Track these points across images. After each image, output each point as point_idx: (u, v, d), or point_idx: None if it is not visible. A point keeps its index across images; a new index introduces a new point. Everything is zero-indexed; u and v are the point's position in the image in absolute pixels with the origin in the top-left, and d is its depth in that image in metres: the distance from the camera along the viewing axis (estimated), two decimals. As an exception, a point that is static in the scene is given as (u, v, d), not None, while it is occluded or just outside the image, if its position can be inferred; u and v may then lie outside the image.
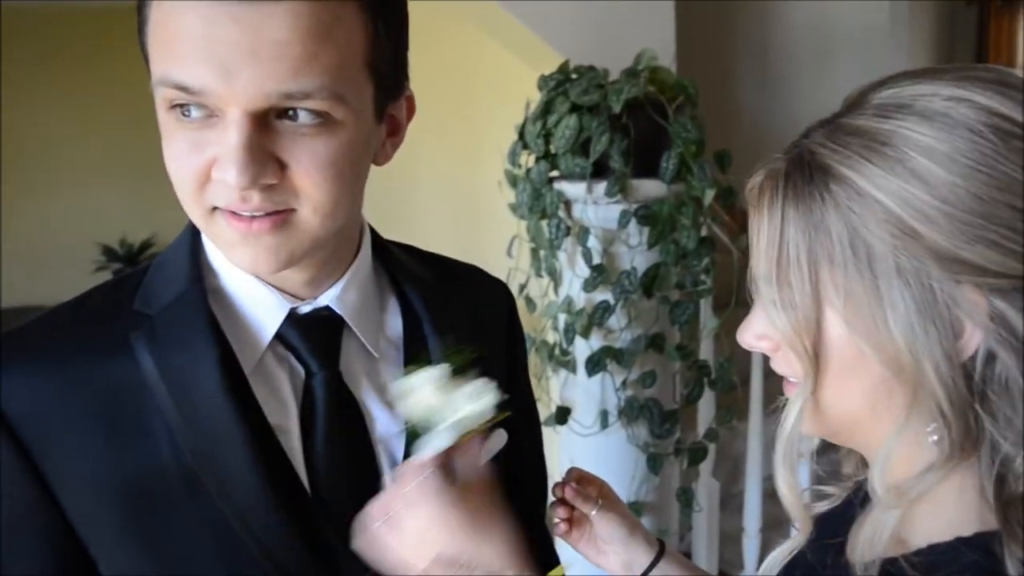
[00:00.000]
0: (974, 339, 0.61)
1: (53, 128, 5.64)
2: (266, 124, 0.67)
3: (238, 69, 0.64)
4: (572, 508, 1.00)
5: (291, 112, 0.67)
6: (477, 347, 0.82)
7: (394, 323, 0.90)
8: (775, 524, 2.58)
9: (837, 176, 0.64)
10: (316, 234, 0.73)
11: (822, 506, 0.82)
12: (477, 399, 0.74)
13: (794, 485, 0.74)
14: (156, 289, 0.80)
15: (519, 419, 0.97)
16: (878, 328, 0.63)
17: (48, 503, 0.73)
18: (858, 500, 0.77)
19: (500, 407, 0.75)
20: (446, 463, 0.74)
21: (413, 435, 0.78)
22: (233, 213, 0.70)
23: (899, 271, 0.61)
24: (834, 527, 0.78)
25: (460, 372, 0.76)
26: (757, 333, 0.73)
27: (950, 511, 0.65)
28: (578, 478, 1.01)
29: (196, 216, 0.72)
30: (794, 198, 0.66)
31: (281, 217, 0.70)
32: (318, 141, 0.68)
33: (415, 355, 0.87)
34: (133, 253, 5.90)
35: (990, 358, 0.62)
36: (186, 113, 0.67)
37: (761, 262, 0.69)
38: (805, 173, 0.66)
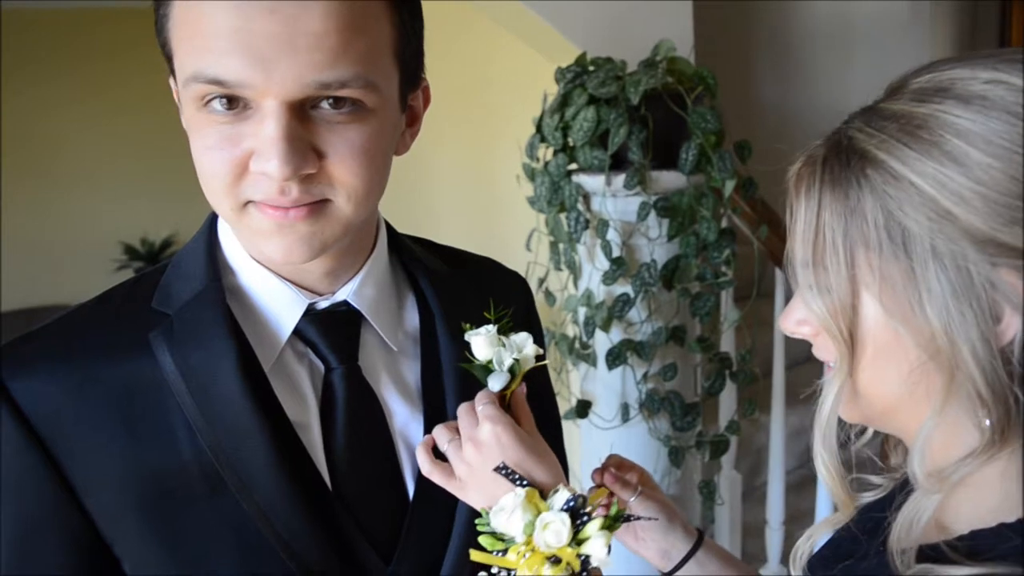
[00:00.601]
0: (1013, 324, 0.61)
1: (63, 127, 5.69)
2: (302, 114, 0.68)
3: (276, 60, 0.64)
4: (611, 495, 0.99)
5: (327, 101, 0.68)
6: (505, 311, 0.88)
7: (411, 317, 0.91)
8: (798, 517, 2.56)
9: (873, 160, 0.64)
10: (348, 221, 0.74)
11: (867, 496, 0.81)
12: (521, 349, 0.86)
13: (834, 467, 0.74)
14: (174, 288, 0.80)
15: (538, 411, 0.97)
16: (914, 311, 0.63)
17: (71, 503, 0.74)
18: (902, 491, 0.76)
19: (538, 357, 0.88)
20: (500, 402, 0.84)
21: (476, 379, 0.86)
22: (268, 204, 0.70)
23: (935, 254, 0.61)
24: (876, 518, 0.77)
25: (503, 331, 0.87)
26: (797, 319, 0.74)
27: (993, 498, 0.65)
28: (617, 464, 1.02)
29: (227, 210, 0.72)
30: (831, 183, 0.66)
31: (317, 205, 0.71)
32: (352, 129, 0.70)
33: (431, 349, 0.88)
34: (154, 251, 5.94)
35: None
36: (219, 108, 0.67)
37: (798, 247, 0.69)
38: (842, 158, 0.66)
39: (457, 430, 0.83)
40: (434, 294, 0.90)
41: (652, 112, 1.82)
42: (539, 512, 0.76)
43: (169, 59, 0.71)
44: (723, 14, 3.10)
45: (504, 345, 0.86)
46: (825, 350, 0.73)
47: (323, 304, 0.82)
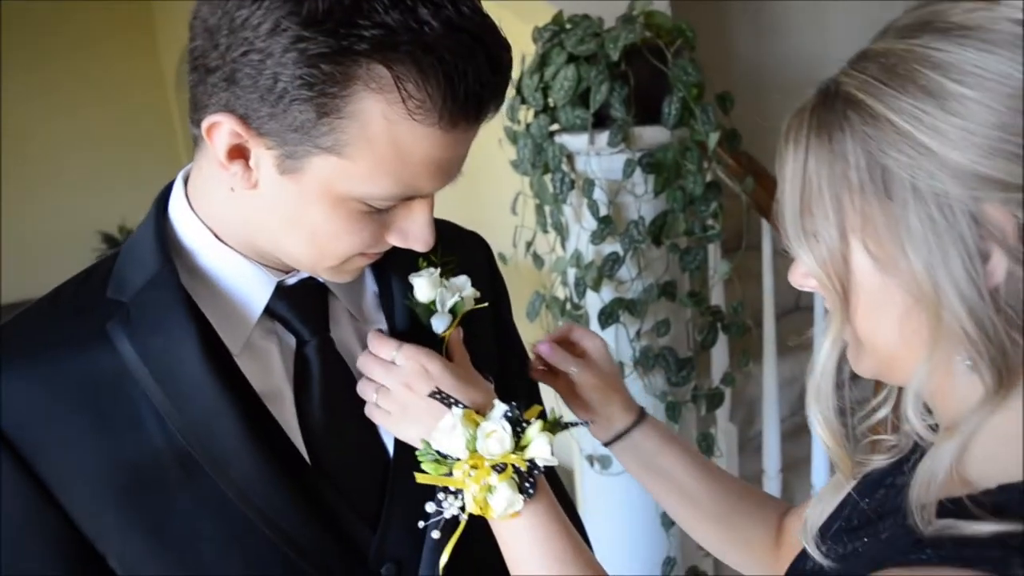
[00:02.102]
0: (1001, 263, 0.59)
1: (34, 118, 5.59)
2: None
3: (451, 174, 0.75)
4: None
5: None
6: (452, 256, 0.93)
7: (370, 284, 0.92)
8: (794, 464, 2.59)
9: (854, 101, 0.63)
10: None
11: (880, 460, 0.79)
12: (461, 291, 0.90)
13: (829, 422, 0.72)
14: (127, 275, 0.79)
15: (512, 364, 1.02)
16: (897, 253, 0.62)
17: (49, 505, 0.73)
18: (914, 454, 0.75)
19: (477, 300, 0.92)
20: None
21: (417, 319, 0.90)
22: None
23: (915, 192, 0.60)
24: (889, 488, 0.76)
25: (444, 274, 0.91)
26: (802, 271, 0.72)
27: (1017, 452, 0.62)
28: (560, 338, 1.03)
29: (329, 264, 0.78)
30: (816, 129, 0.65)
31: None
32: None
33: (392, 313, 0.89)
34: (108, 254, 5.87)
35: (1018, 281, 0.59)
36: (381, 208, 0.73)
37: (787, 197, 0.68)
38: (828, 103, 0.65)
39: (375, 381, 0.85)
40: (391, 261, 0.90)
41: (632, 68, 1.81)
42: (478, 427, 0.79)
43: (301, 142, 0.68)
44: (695, -33, 3.07)
45: (446, 287, 0.89)
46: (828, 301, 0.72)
47: (291, 280, 0.83)
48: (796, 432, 2.89)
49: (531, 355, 1.04)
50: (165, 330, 0.75)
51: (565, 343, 1.04)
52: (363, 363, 0.85)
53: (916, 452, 0.74)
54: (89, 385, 0.74)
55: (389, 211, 0.75)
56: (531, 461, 0.79)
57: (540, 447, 0.79)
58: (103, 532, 0.75)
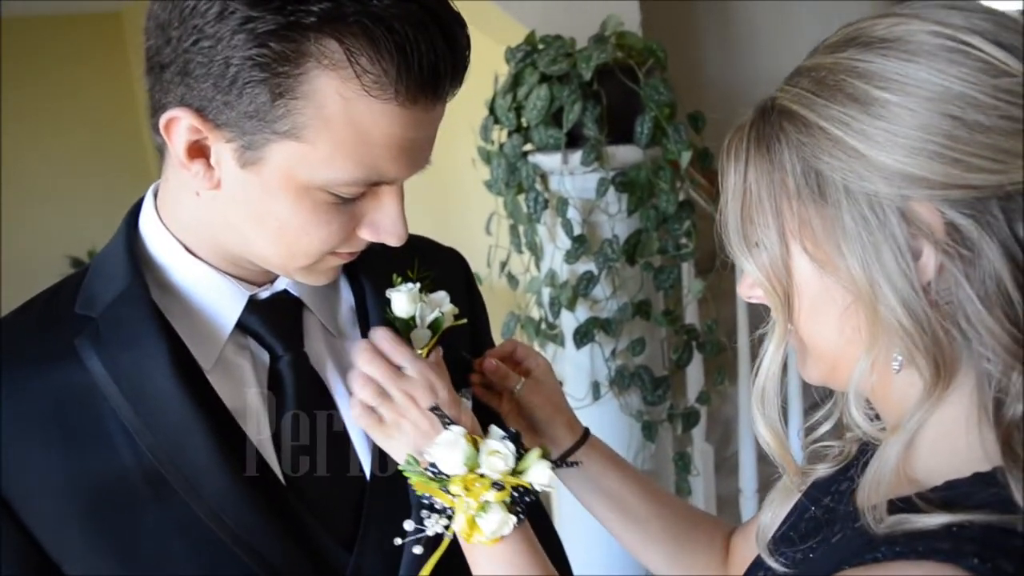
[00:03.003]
0: (931, 258, 0.62)
1: (6, 142, 5.54)
2: None
3: (420, 158, 0.73)
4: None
5: None
6: (428, 272, 0.91)
7: (346, 298, 0.90)
8: (770, 484, 2.57)
9: (788, 113, 0.66)
10: None
11: (824, 468, 0.81)
12: (440, 307, 0.89)
13: (773, 425, 0.74)
14: (96, 290, 0.78)
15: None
16: (834, 254, 0.65)
17: (10, 522, 0.71)
18: (861, 459, 0.76)
19: (455, 316, 0.91)
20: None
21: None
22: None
23: (848, 194, 0.63)
24: (837, 492, 0.77)
25: (422, 289, 0.90)
26: (748, 283, 0.74)
27: (962, 446, 0.65)
28: (501, 355, 1.00)
29: (301, 263, 0.75)
30: (755, 142, 0.68)
31: None
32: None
33: (368, 328, 0.87)
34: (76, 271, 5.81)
35: (949, 276, 0.61)
36: (349, 196, 0.71)
37: (729, 208, 0.71)
38: (765, 117, 0.68)
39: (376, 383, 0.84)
40: (368, 275, 0.89)
41: (605, 87, 1.82)
42: (476, 445, 0.79)
43: (259, 128, 0.67)
44: (666, -11, 3.10)
45: (425, 303, 0.88)
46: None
47: (265, 294, 0.81)
48: (772, 451, 2.90)
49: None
50: (135, 346, 0.74)
51: (508, 361, 1.02)
52: (367, 361, 0.83)
53: (861, 458, 0.76)
54: (55, 401, 0.73)
55: (357, 203, 0.73)
56: (524, 487, 0.79)
57: (539, 473, 0.80)
58: (69, 552, 0.73)
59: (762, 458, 2.49)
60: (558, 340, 1.99)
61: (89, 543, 0.73)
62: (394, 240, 0.76)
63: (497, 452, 0.79)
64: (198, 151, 0.69)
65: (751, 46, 3.49)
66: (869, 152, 0.61)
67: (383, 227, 0.75)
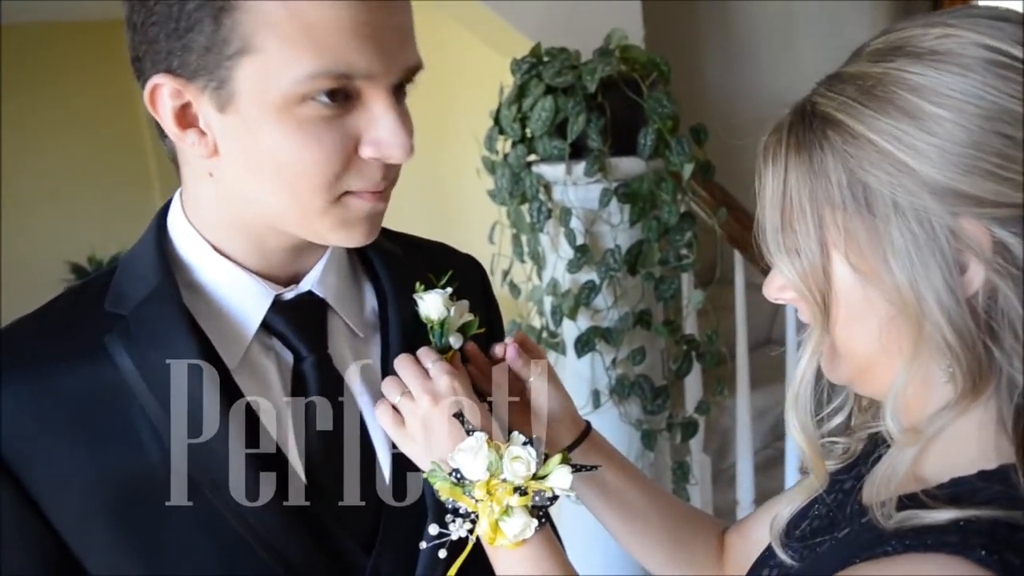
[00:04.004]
0: (978, 274, 0.62)
1: (5, 148, 5.54)
2: None
3: (391, 49, 0.69)
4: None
5: (403, 88, 0.74)
6: (455, 281, 0.92)
7: (370, 301, 0.91)
8: (767, 496, 2.59)
9: (833, 122, 0.65)
10: (389, 197, 0.77)
11: (831, 464, 0.82)
12: (464, 315, 0.91)
13: (807, 428, 0.74)
14: (126, 288, 0.78)
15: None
16: (880, 267, 0.65)
17: (35, 518, 0.72)
18: (871, 455, 0.78)
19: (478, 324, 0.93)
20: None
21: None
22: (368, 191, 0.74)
23: (896, 208, 0.63)
24: (846, 488, 0.78)
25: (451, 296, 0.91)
26: (778, 285, 0.74)
27: (972, 447, 0.66)
28: (521, 340, 0.98)
29: (320, 204, 0.73)
30: (795, 147, 0.68)
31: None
32: (406, 111, 0.74)
33: (387, 332, 0.88)
34: (102, 269, 5.80)
35: (994, 291, 0.62)
36: (324, 101, 0.68)
37: (767, 213, 0.71)
38: (806, 122, 0.68)
39: (403, 384, 0.84)
40: (389, 277, 0.90)
41: (609, 100, 1.84)
42: (499, 452, 0.79)
43: (218, 60, 0.68)
44: (669, 3, 3.13)
45: (450, 308, 0.89)
46: (807, 313, 0.74)
47: (289, 295, 0.82)
48: (768, 464, 2.91)
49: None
50: (165, 344, 0.74)
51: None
52: (399, 361, 0.85)
53: (868, 456, 0.77)
54: (83, 398, 0.73)
55: (348, 118, 0.71)
56: (545, 491, 0.80)
57: (561, 477, 0.80)
58: (92, 549, 0.73)
59: (759, 470, 2.51)
60: (560, 348, 2.01)
61: (112, 540, 0.73)
62: (399, 152, 0.72)
63: (519, 458, 0.79)
64: (185, 120, 0.71)
65: (753, 61, 3.53)
66: (920, 167, 0.61)
67: (384, 140, 0.71)
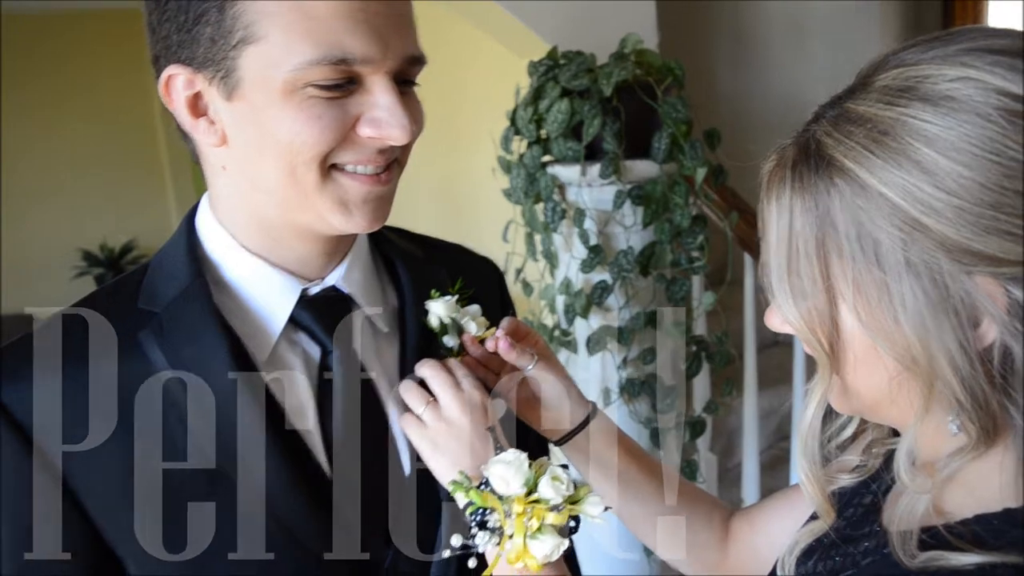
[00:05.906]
0: (991, 330, 0.60)
1: (19, 136, 5.57)
2: None
3: (389, 36, 0.72)
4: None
5: (409, 81, 0.77)
6: (470, 289, 0.95)
7: (391, 299, 0.93)
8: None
9: (841, 168, 0.62)
10: (397, 185, 0.81)
11: (845, 479, 0.81)
12: (475, 318, 0.94)
13: (816, 476, 0.74)
14: (158, 287, 0.81)
15: None
16: (889, 324, 0.62)
17: (71, 508, 0.74)
18: (885, 472, 0.76)
19: (488, 326, 0.95)
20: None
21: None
22: (363, 174, 0.76)
23: (908, 265, 0.60)
24: (864, 505, 0.77)
25: (459, 301, 0.94)
26: (780, 320, 0.72)
27: (994, 484, 0.64)
28: (513, 330, 0.96)
29: (311, 179, 0.74)
30: (801, 190, 0.65)
31: (392, 165, 0.78)
32: (415, 100, 0.78)
33: (405, 331, 0.91)
34: (114, 257, 5.85)
35: (1008, 350, 0.60)
36: (324, 87, 0.71)
37: (772, 255, 0.68)
38: (811, 163, 0.65)
39: (425, 390, 0.85)
40: (409, 278, 0.92)
41: (624, 103, 1.87)
42: (540, 470, 0.80)
43: (224, 50, 0.71)
44: (682, 8, 3.16)
45: (459, 314, 0.93)
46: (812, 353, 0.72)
47: (315, 289, 0.84)
48: (774, 463, 2.94)
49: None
50: (196, 340, 0.77)
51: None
52: (429, 367, 0.87)
53: (885, 473, 0.76)
54: (117, 392, 0.76)
55: (348, 101, 0.73)
56: (576, 516, 0.80)
57: (593, 504, 0.80)
58: (124, 538, 0.75)
59: (764, 469, 2.53)
60: (572, 347, 2.04)
61: (143, 530, 0.75)
62: (398, 132, 0.74)
63: (559, 479, 0.79)
64: (197, 109, 0.75)
65: (765, 65, 3.55)
66: (936, 226, 0.58)
67: (382, 120, 0.73)
